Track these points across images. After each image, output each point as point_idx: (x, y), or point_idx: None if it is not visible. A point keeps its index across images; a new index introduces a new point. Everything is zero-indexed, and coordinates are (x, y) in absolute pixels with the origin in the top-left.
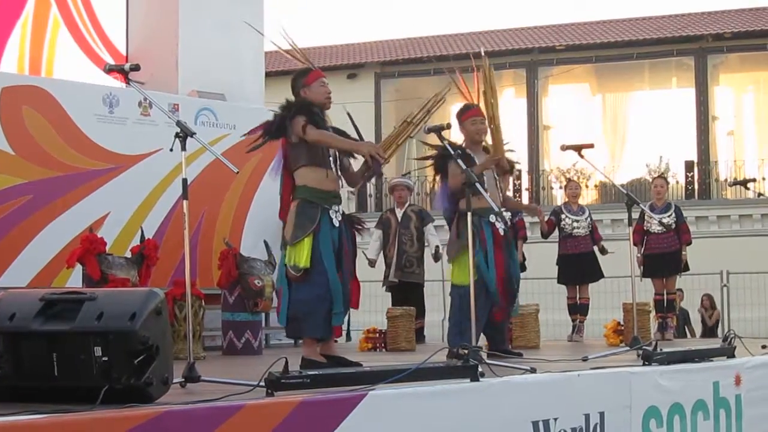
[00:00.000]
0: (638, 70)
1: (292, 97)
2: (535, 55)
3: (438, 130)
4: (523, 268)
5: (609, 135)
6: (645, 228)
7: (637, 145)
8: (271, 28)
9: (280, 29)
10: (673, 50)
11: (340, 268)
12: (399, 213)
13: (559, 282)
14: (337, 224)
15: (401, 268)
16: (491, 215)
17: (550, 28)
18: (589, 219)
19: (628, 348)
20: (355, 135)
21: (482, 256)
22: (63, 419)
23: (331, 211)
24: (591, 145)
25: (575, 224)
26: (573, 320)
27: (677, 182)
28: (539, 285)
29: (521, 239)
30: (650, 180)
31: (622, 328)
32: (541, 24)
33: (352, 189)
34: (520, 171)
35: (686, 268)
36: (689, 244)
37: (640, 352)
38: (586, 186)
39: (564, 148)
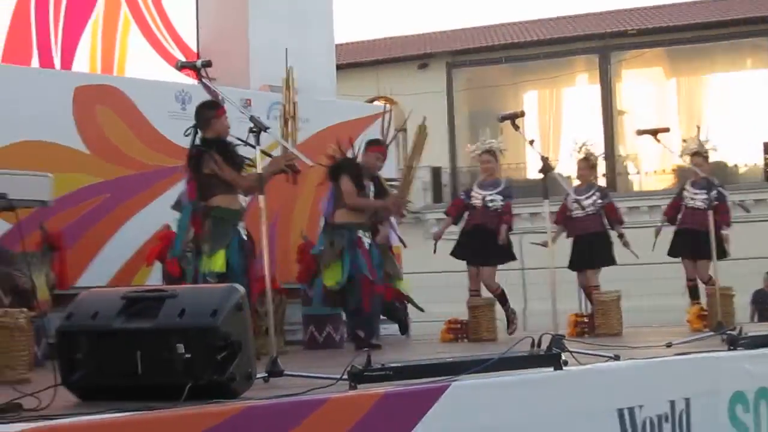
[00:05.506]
0: (711, 53)
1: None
2: (608, 41)
3: (512, 117)
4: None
5: (684, 119)
6: (683, 204)
7: (714, 128)
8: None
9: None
10: (747, 32)
11: (247, 275)
12: None
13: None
14: (246, 237)
15: None
16: (359, 230)
17: (621, 13)
18: (595, 198)
19: (712, 333)
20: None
21: (349, 261)
22: (147, 417)
23: (239, 227)
24: (666, 129)
25: (574, 204)
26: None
27: (756, 165)
28: (622, 271)
29: (506, 224)
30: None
31: (706, 312)
32: (613, 8)
33: None
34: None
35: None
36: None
37: (725, 336)
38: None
39: (639, 132)
